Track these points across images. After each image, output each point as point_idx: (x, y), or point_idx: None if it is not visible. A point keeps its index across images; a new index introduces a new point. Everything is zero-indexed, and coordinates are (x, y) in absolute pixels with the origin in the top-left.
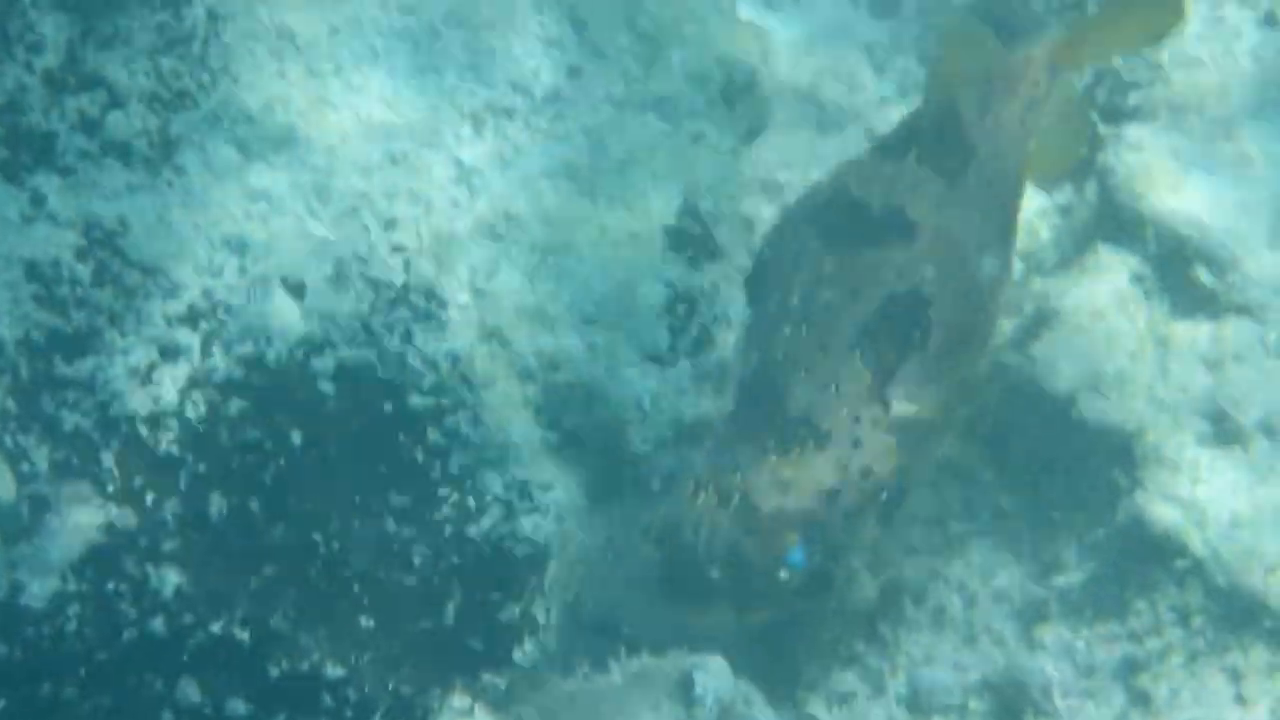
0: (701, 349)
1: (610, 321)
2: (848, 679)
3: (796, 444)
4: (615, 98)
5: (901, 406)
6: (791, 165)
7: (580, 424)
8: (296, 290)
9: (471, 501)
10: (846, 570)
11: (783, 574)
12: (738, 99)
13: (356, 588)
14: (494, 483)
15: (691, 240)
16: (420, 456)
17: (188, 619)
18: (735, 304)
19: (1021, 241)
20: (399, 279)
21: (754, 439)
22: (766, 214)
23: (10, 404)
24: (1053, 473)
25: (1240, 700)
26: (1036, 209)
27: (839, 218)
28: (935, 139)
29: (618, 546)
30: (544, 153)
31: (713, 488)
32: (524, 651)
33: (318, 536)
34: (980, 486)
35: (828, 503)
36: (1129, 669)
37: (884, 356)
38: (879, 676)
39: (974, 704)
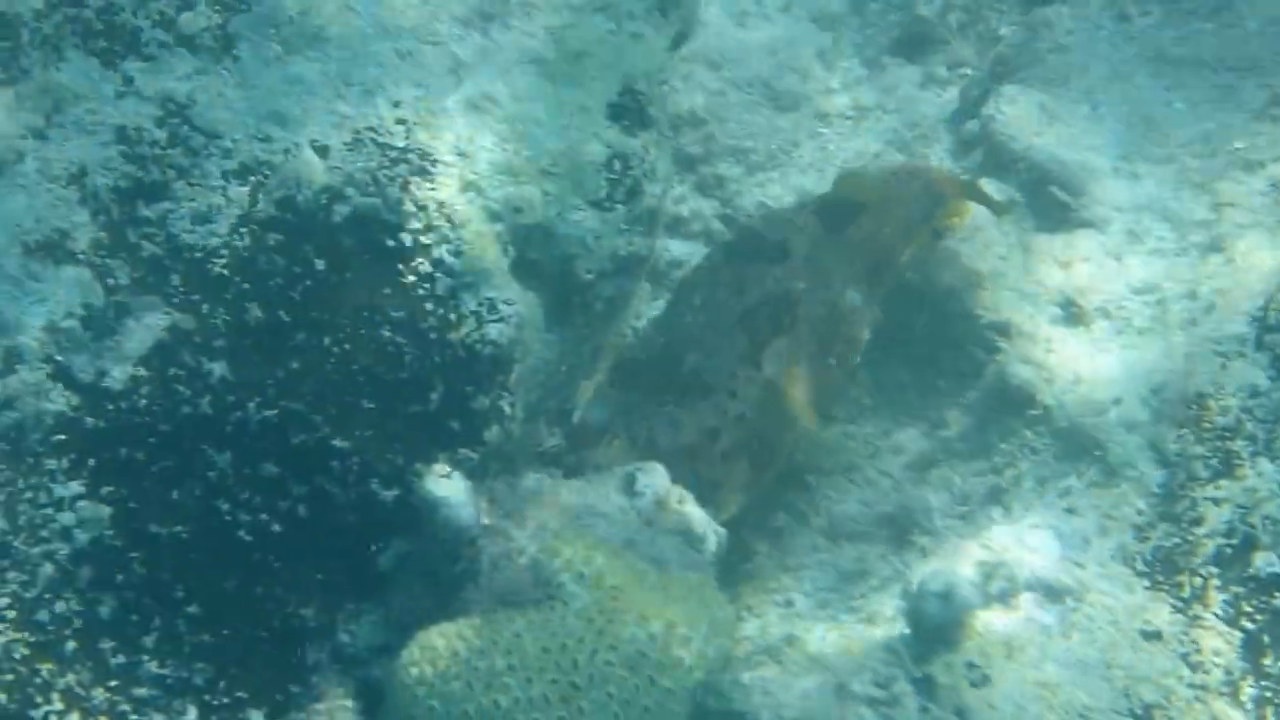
0: (634, 198)
1: (562, 174)
2: (780, 517)
3: (688, 395)
4: (573, 4)
5: (771, 369)
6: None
7: (539, 257)
8: (322, 151)
9: (452, 315)
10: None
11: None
12: (670, 8)
13: (361, 379)
14: (469, 300)
15: (627, 113)
16: (412, 279)
17: (230, 400)
18: (661, 162)
19: None
20: (401, 143)
21: (656, 394)
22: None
23: (103, 235)
24: (941, 350)
25: (1070, 510)
26: (936, 162)
27: (742, 244)
28: (831, 202)
29: (569, 358)
30: (516, 46)
31: (625, 433)
32: (492, 433)
33: (329, 340)
34: (885, 367)
35: (708, 439)
36: (993, 494)
37: (758, 333)
38: (804, 515)
39: (877, 530)
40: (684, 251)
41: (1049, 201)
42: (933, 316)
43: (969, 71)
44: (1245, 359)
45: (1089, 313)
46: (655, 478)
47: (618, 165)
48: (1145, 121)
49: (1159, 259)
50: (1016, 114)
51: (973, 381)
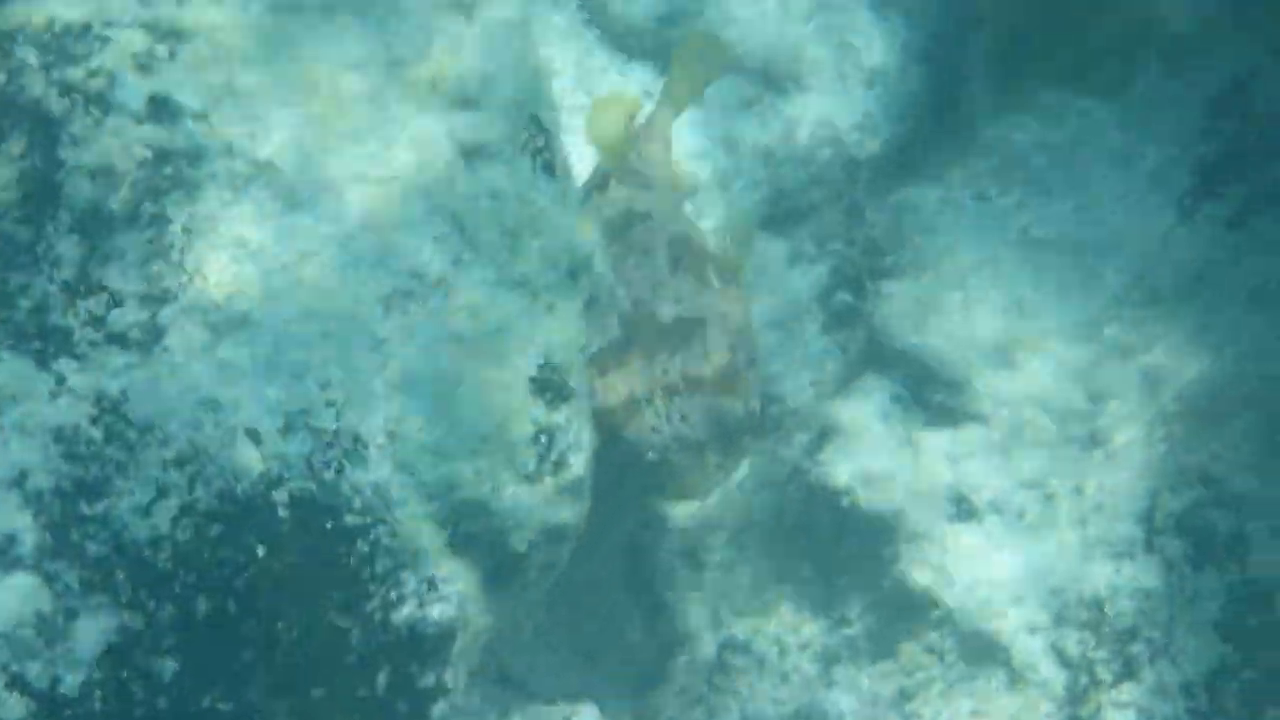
0: (560, 469)
1: (491, 452)
2: (695, 715)
3: (691, 332)
4: (489, 280)
5: (721, 283)
6: None
7: (473, 530)
8: (256, 438)
9: (394, 595)
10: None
11: (751, 412)
12: (579, 273)
13: (311, 666)
14: (410, 580)
15: (549, 386)
16: (354, 562)
17: (184, 696)
18: (584, 432)
19: (812, 371)
20: (332, 425)
21: (658, 348)
22: None
23: (47, 538)
24: (840, 548)
25: (977, 714)
26: (821, 347)
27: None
28: (601, 176)
29: (505, 623)
30: (437, 324)
31: (658, 393)
32: (438, 708)
33: (280, 626)
34: (788, 561)
35: (737, 352)
36: (902, 697)
37: (695, 266)
38: (718, 712)
39: None
40: None
41: (934, 397)
42: (831, 515)
43: (838, 246)
44: (1136, 561)
45: (981, 509)
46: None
47: (544, 440)
48: (1017, 307)
49: (1044, 452)
50: (894, 310)
51: (874, 579)
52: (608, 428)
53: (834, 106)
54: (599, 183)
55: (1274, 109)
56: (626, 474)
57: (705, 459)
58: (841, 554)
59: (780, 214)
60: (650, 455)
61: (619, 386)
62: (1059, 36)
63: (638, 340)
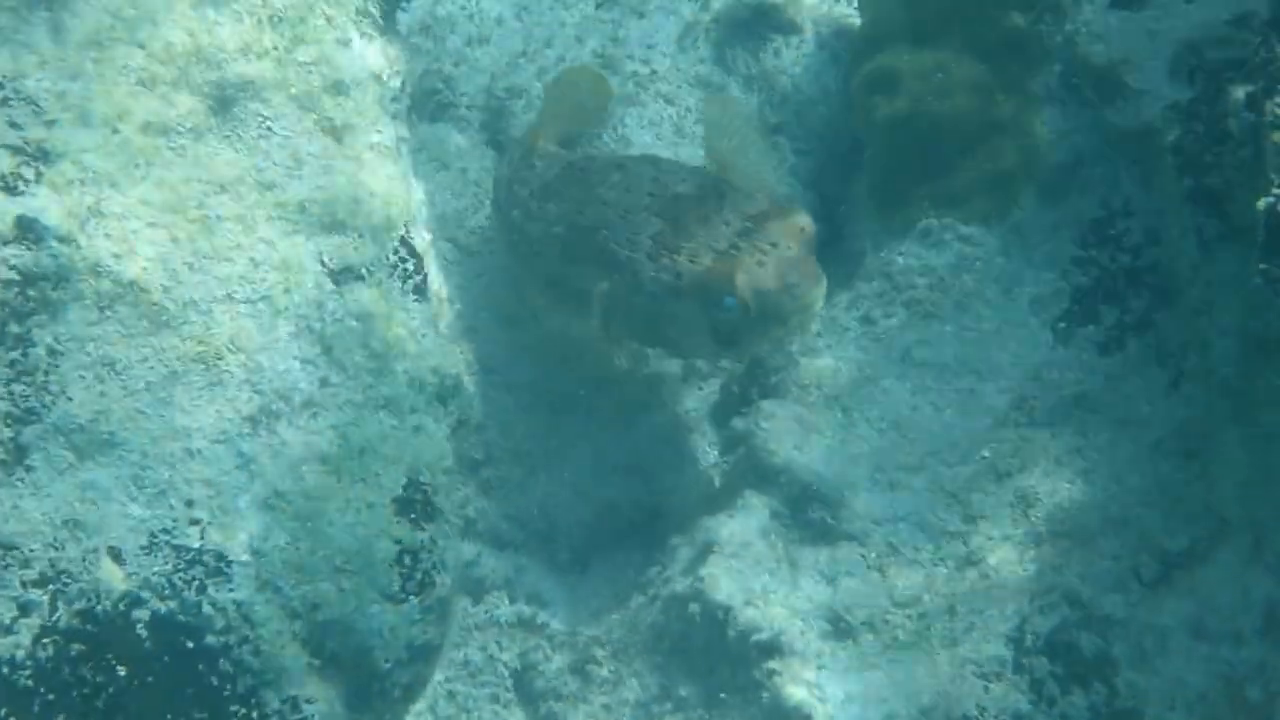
0: (425, 589)
1: (355, 571)
2: None
3: (720, 190)
4: (355, 401)
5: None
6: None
7: (337, 648)
8: (118, 557)
9: (255, 715)
10: None
11: None
12: (448, 398)
13: None
14: (272, 699)
15: (414, 506)
16: (215, 681)
17: None
18: (450, 551)
19: (700, 486)
20: (196, 544)
21: (705, 211)
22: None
23: None
24: (720, 664)
25: None
26: (711, 463)
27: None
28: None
29: None
30: (303, 444)
31: (738, 241)
32: None
33: None
34: (668, 675)
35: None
36: None
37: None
38: None
39: None
40: None
41: (813, 515)
42: (711, 631)
43: (725, 364)
44: (1005, 681)
45: (856, 627)
46: None
47: (408, 560)
48: (896, 428)
49: (918, 571)
50: (775, 428)
51: (752, 695)
52: (710, 290)
53: None
54: (521, 158)
55: (1144, 238)
56: (739, 332)
57: (812, 270)
58: (723, 668)
59: None
60: (771, 285)
61: (700, 253)
62: (940, 165)
63: (682, 213)
